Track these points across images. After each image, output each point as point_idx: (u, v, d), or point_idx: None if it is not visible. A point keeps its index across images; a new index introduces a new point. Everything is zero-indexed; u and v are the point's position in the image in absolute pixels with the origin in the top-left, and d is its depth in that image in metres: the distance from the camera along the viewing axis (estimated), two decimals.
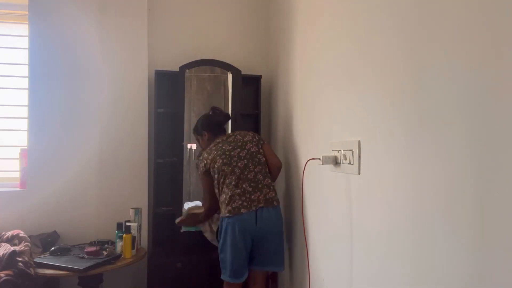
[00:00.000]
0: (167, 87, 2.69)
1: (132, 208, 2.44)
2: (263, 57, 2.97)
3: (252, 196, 1.99)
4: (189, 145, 2.67)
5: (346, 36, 1.46)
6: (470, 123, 0.81)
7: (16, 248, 2.01)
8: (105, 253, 2.20)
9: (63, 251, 2.22)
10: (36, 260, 2.06)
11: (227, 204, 1.99)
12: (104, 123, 2.61)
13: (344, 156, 1.42)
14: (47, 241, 2.37)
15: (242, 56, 2.91)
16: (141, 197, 2.64)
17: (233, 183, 2.01)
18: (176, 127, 2.64)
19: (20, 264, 1.91)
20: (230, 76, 2.72)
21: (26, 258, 1.98)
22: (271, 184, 2.08)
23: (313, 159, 1.74)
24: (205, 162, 2.11)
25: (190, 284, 2.43)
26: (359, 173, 1.33)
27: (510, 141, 0.71)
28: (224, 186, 2.05)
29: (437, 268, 0.91)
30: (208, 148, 2.17)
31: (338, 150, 1.48)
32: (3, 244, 2.07)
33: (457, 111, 0.85)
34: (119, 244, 2.27)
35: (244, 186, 2.00)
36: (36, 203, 2.49)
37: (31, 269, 1.95)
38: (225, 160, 2.05)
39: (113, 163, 2.61)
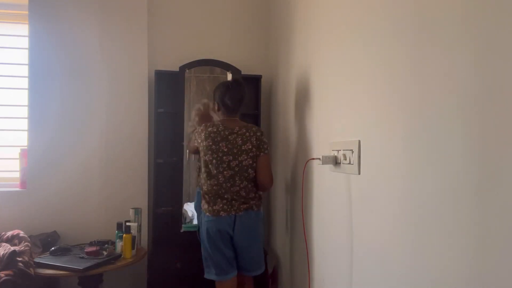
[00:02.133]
0: (167, 87, 2.69)
1: (132, 208, 2.45)
2: (263, 57, 2.97)
3: (233, 202, 1.99)
4: None
5: (346, 36, 1.46)
6: (470, 123, 0.81)
7: (16, 248, 2.01)
8: (105, 253, 2.20)
9: (63, 251, 2.22)
10: (36, 260, 2.06)
11: (208, 203, 2.00)
12: (104, 123, 2.61)
13: (344, 156, 1.42)
14: (47, 241, 2.37)
15: (242, 56, 2.91)
16: (141, 197, 2.64)
17: (215, 188, 1.99)
18: (176, 127, 2.64)
19: (20, 264, 1.91)
20: (230, 76, 2.72)
21: (26, 258, 1.98)
22: (254, 197, 2.05)
23: (313, 159, 1.75)
24: (198, 140, 2.05)
25: (190, 284, 2.43)
26: (359, 173, 1.33)
27: (510, 141, 0.71)
28: (206, 183, 2.02)
29: (438, 268, 0.91)
30: (205, 128, 2.02)
31: (338, 150, 1.48)
32: (3, 244, 2.07)
33: (457, 111, 0.85)
34: (119, 244, 2.27)
35: (226, 196, 1.99)
36: (36, 203, 2.49)
37: (31, 269, 1.95)
38: (214, 161, 1.98)
39: (113, 163, 2.61)
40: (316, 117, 1.82)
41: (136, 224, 2.38)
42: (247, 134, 2.03)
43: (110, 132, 2.62)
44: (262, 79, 2.83)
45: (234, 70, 2.70)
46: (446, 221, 0.88)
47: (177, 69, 2.63)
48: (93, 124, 2.60)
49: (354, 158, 1.34)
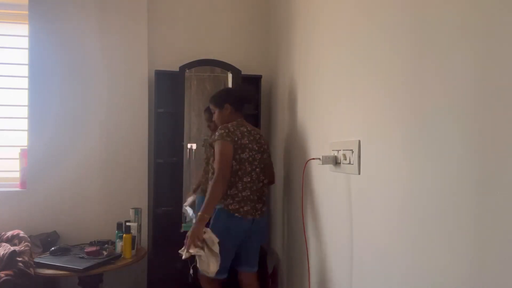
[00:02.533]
0: (167, 87, 2.69)
1: (132, 208, 2.45)
2: (263, 57, 2.97)
3: (256, 205, 2.07)
4: (189, 145, 2.67)
5: (346, 36, 1.46)
6: (469, 123, 0.81)
7: (16, 248, 2.01)
8: (105, 253, 2.20)
9: (63, 251, 2.22)
10: (36, 260, 2.06)
11: (239, 203, 2.01)
12: (104, 123, 2.61)
13: (344, 156, 1.42)
14: (47, 241, 2.37)
15: (242, 56, 2.91)
16: (141, 197, 2.64)
17: (248, 185, 2.04)
18: (176, 127, 2.64)
19: (20, 264, 1.91)
20: (230, 76, 2.72)
21: (26, 258, 1.98)
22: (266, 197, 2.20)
23: (313, 159, 1.75)
24: (235, 138, 1.99)
25: (190, 284, 2.43)
26: (359, 173, 1.33)
27: (510, 141, 0.71)
28: (240, 181, 2.02)
29: (438, 268, 0.91)
30: (236, 128, 2.03)
31: (338, 150, 1.48)
32: (3, 244, 2.07)
33: (456, 111, 0.85)
34: (119, 244, 2.27)
35: (252, 197, 2.05)
36: (36, 203, 2.49)
37: (31, 269, 1.95)
38: (250, 159, 2.05)
39: (113, 163, 2.61)
40: (316, 117, 1.82)
41: (136, 224, 2.38)
42: (261, 134, 2.20)
43: (110, 132, 2.62)
44: (262, 79, 2.83)
45: (234, 70, 2.70)
46: (446, 221, 0.88)
47: (177, 69, 2.63)
48: (93, 124, 2.60)
49: (354, 158, 1.34)
